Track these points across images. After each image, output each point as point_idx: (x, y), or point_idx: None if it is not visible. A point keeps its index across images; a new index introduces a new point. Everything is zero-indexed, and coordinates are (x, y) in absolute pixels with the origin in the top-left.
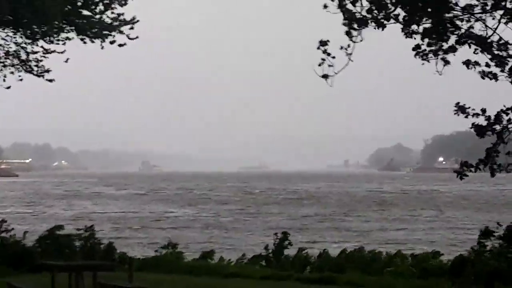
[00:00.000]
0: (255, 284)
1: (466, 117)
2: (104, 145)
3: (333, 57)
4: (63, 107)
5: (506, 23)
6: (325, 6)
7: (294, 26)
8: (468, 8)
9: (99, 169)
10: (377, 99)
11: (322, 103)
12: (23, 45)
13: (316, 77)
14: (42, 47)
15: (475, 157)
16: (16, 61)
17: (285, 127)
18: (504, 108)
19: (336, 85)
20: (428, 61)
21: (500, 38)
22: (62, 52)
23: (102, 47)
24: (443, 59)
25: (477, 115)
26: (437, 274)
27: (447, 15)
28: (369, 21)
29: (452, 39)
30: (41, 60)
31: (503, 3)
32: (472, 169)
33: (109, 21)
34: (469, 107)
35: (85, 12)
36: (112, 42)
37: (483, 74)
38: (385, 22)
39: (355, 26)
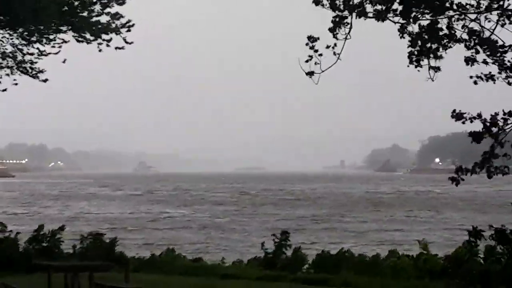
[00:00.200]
0: (251, 284)
1: (463, 123)
2: (100, 145)
3: (320, 55)
4: (60, 108)
5: (502, 25)
6: (317, 3)
7: (294, 26)
8: (462, 8)
9: (95, 170)
10: (373, 100)
11: (319, 103)
12: (19, 46)
13: (302, 69)
14: (37, 48)
15: (471, 158)
16: (12, 63)
17: (283, 127)
18: (500, 111)
19: (332, 85)
20: (421, 66)
21: (497, 40)
22: (56, 53)
23: (100, 50)
24: (432, 67)
25: (473, 118)
26: (433, 275)
27: (442, 16)
28: (369, 13)
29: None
30: (36, 62)
31: (495, 5)
32: (468, 173)
33: (105, 21)
34: (465, 113)
35: (82, 13)
36: (108, 45)
37: (481, 77)
38: (385, 15)
39: (347, 18)
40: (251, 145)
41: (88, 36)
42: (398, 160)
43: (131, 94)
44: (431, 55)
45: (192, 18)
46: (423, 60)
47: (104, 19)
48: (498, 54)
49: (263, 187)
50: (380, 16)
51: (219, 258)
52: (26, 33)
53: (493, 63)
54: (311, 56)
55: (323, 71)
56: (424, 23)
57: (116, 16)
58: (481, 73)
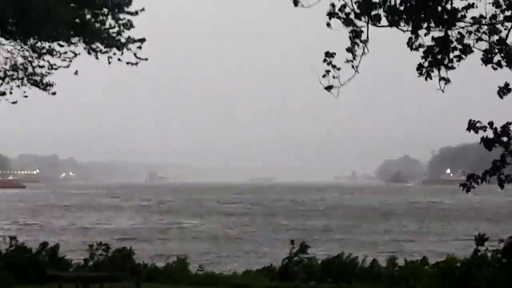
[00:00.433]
0: None
1: (477, 132)
2: (112, 156)
3: (339, 69)
4: (71, 118)
5: None
6: (328, 25)
7: (294, 26)
8: (476, 20)
9: (106, 180)
10: (384, 110)
11: (328, 111)
12: (30, 59)
13: (320, 83)
14: (48, 61)
15: (482, 169)
16: (22, 75)
17: (292, 135)
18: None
19: (343, 95)
20: (431, 78)
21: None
22: (67, 67)
23: (109, 62)
24: (443, 78)
25: (484, 128)
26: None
27: (453, 28)
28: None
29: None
30: (46, 75)
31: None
32: (479, 180)
33: (115, 32)
34: (478, 121)
35: (93, 25)
36: (119, 59)
37: (500, 91)
38: (397, 20)
39: (363, 33)
40: (259, 155)
41: (99, 47)
42: (409, 171)
43: (139, 105)
44: (442, 67)
45: (192, 18)
46: (433, 72)
47: (115, 30)
48: None
49: (275, 197)
50: (393, 22)
51: (230, 268)
52: (37, 43)
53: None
54: (328, 71)
55: (342, 85)
56: (435, 34)
57: (127, 25)
58: (505, 83)
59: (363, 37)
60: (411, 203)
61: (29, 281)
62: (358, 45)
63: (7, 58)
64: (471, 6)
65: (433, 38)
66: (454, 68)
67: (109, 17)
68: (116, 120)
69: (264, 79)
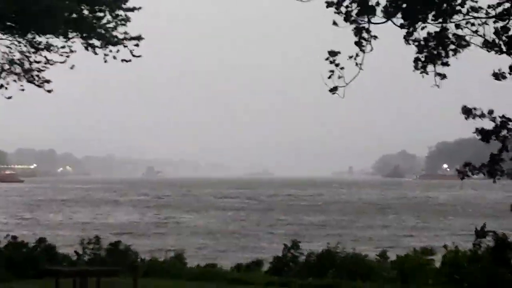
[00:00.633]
0: None
1: (474, 118)
2: (109, 151)
3: (342, 68)
4: (68, 113)
5: None
6: (335, 23)
7: (294, 26)
8: (473, 11)
9: (103, 175)
10: (382, 106)
11: (326, 107)
12: (27, 54)
13: (321, 80)
14: (45, 57)
15: (479, 164)
16: (19, 70)
17: (290, 133)
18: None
19: (341, 93)
20: (427, 73)
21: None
22: (63, 62)
23: (105, 61)
24: (439, 74)
25: (483, 116)
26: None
27: (450, 20)
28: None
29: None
30: (43, 70)
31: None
32: (476, 171)
33: (112, 28)
34: (474, 108)
35: (91, 21)
36: (115, 57)
37: (494, 75)
38: (394, 13)
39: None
40: (257, 150)
41: (96, 43)
42: (406, 166)
43: (137, 99)
44: (438, 62)
45: (192, 18)
46: (429, 64)
47: (112, 25)
48: None
49: (272, 192)
50: (388, 15)
51: (227, 263)
52: (34, 38)
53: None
54: (332, 71)
55: (347, 84)
56: (431, 29)
57: (124, 21)
58: (499, 69)
59: (370, 34)
60: (408, 198)
61: (27, 276)
62: (366, 40)
63: (4, 53)
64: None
65: (429, 34)
66: (449, 65)
67: (107, 12)
68: (114, 117)
69: (264, 79)
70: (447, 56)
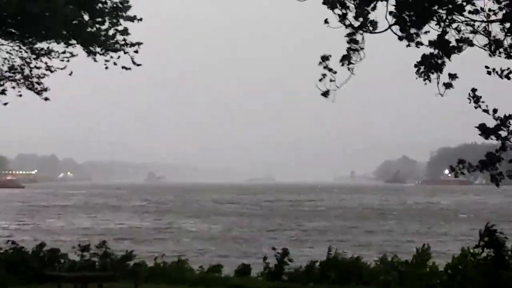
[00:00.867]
0: None
1: (477, 106)
2: (110, 157)
3: (335, 72)
4: (69, 118)
5: None
6: (326, 21)
7: (294, 26)
8: (474, 13)
9: (104, 180)
10: (383, 111)
11: (327, 113)
12: (28, 60)
13: (318, 88)
14: (46, 63)
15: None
16: (19, 76)
17: (290, 133)
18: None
19: (342, 96)
20: (429, 81)
21: None
22: (63, 69)
23: (106, 67)
24: (444, 84)
25: (486, 111)
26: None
27: (453, 25)
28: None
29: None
30: (42, 77)
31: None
32: (471, 169)
33: (112, 35)
34: (483, 101)
35: (91, 28)
36: (115, 63)
37: (500, 74)
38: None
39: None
40: (259, 156)
41: (97, 49)
42: (408, 172)
43: (138, 104)
44: (440, 71)
45: (192, 18)
46: (432, 74)
47: (111, 32)
48: None
49: (274, 198)
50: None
51: (228, 269)
52: (35, 44)
53: None
54: (324, 75)
55: (338, 87)
56: (432, 37)
57: (125, 32)
58: (500, 68)
59: (360, 43)
60: (410, 204)
61: (28, 281)
62: (354, 51)
63: (5, 59)
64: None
65: (430, 42)
66: (457, 77)
67: (107, 19)
68: (115, 121)
69: (265, 78)
70: (449, 57)
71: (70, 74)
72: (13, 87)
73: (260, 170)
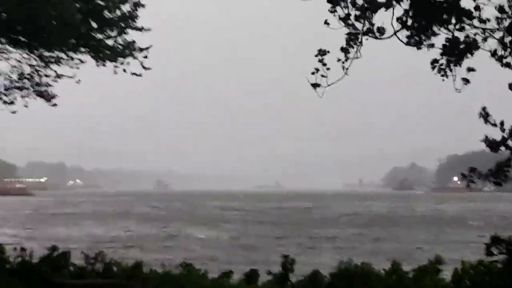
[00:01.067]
0: None
1: (486, 122)
2: (118, 164)
3: (328, 69)
4: (78, 126)
5: None
6: (326, 23)
7: (294, 26)
8: (481, 22)
9: (113, 188)
10: (391, 117)
11: (327, 113)
12: (37, 68)
13: (328, 90)
14: (55, 71)
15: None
16: (28, 84)
17: (290, 133)
18: None
19: (349, 101)
20: (447, 77)
21: None
22: (72, 77)
23: (116, 72)
24: (463, 79)
25: (494, 125)
26: None
27: (462, 32)
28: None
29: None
30: (51, 85)
31: None
32: (482, 178)
33: (121, 43)
34: (491, 115)
35: (99, 36)
36: (125, 70)
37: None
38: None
39: (358, 36)
40: (267, 163)
41: (106, 56)
42: (416, 179)
43: (145, 111)
44: (457, 66)
45: (192, 18)
46: (450, 70)
47: (120, 40)
48: None
49: (281, 205)
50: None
51: (237, 276)
52: (44, 52)
53: None
54: (317, 69)
55: (329, 85)
56: (441, 38)
57: (132, 45)
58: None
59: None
60: (425, 211)
61: None
62: (352, 47)
63: (14, 67)
64: (477, 8)
65: (446, 40)
66: (475, 70)
67: (115, 29)
68: (122, 127)
69: (265, 78)
70: (462, 58)
71: (78, 82)
72: (22, 96)
73: (268, 177)
